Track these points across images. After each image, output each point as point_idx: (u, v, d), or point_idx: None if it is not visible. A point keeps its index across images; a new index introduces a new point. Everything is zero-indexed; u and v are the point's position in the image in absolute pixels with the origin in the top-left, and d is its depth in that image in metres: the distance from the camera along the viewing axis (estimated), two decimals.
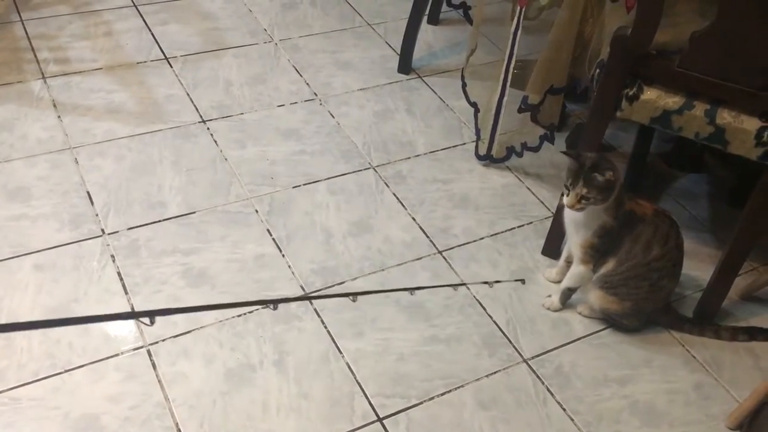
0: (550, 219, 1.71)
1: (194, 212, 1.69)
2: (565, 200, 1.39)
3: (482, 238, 1.73)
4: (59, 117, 1.89)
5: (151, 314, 0.82)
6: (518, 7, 1.68)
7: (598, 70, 1.50)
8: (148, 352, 1.41)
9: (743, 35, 1.26)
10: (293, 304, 1.52)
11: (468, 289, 1.59)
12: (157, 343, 1.42)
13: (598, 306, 1.53)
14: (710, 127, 1.38)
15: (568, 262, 1.57)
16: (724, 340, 1.56)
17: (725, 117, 1.37)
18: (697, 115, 1.38)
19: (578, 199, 1.37)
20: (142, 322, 0.83)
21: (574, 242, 1.49)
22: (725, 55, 1.29)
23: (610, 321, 1.56)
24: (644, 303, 1.50)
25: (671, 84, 1.39)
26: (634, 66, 1.38)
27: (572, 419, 1.39)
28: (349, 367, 1.43)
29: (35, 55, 2.08)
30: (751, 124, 1.35)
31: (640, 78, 1.40)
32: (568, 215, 1.48)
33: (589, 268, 1.49)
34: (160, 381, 1.36)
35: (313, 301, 1.53)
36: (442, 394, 1.40)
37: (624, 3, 1.54)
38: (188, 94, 2.02)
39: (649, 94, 1.40)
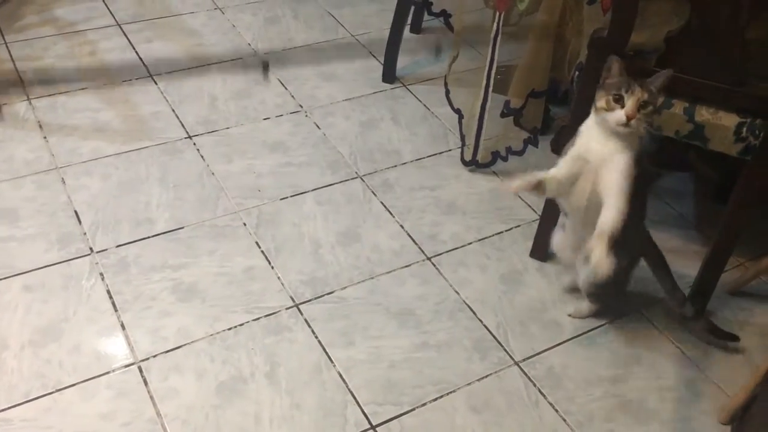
0: (537, 221, 1.72)
1: (182, 227, 1.70)
2: (617, 114, 1.23)
3: (470, 243, 1.74)
4: (45, 138, 1.90)
5: None
6: (497, 13, 1.70)
7: (577, 73, 1.52)
8: (139, 368, 1.41)
9: (716, 32, 1.28)
10: (284, 315, 1.52)
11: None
12: (147, 359, 1.42)
13: (599, 274, 1.33)
14: (690, 124, 1.40)
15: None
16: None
17: (704, 114, 1.38)
18: (677, 113, 1.40)
19: (638, 106, 1.22)
20: None
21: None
22: (700, 53, 1.31)
23: (599, 308, 1.55)
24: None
25: None
26: None
27: (564, 420, 1.40)
28: (341, 376, 1.43)
29: (20, 77, 2.08)
30: (730, 120, 1.37)
31: None
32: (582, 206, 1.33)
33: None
34: (152, 397, 1.36)
35: (303, 311, 1.54)
36: (435, 400, 1.41)
37: (600, 5, 1.56)
38: (174, 111, 2.03)
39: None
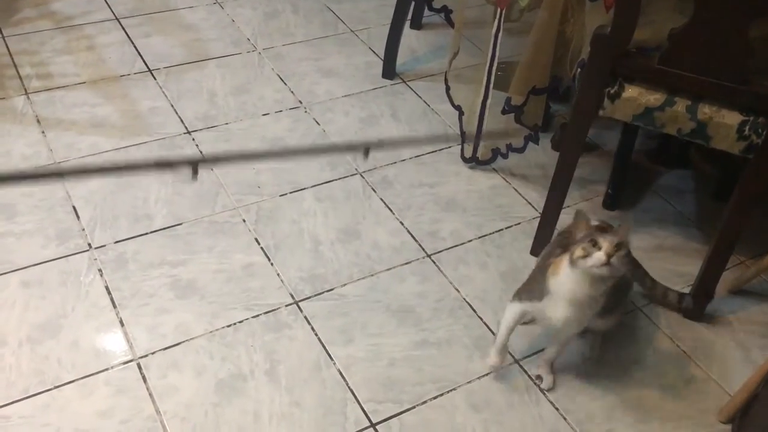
0: (538, 219, 1.72)
1: (181, 224, 1.69)
2: (595, 257, 1.20)
3: (470, 241, 1.73)
4: (43, 132, 1.89)
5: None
6: (498, 10, 1.69)
7: (579, 70, 1.51)
8: (138, 365, 1.40)
9: (720, 30, 1.27)
10: (283, 312, 1.52)
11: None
12: (146, 356, 1.42)
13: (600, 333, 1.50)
14: (692, 122, 1.39)
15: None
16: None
17: (706, 112, 1.37)
18: (679, 111, 1.39)
19: (614, 247, 1.20)
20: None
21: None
22: (703, 50, 1.30)
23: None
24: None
25: (652, 81, 1.40)
26: (615, 64, 1.39)
27: (565, 418, 1.39)
28: (341, 374, 1.42)
29: (17, 71, 2.07)
30: (732, 118, 1.36)
31: (620, 76, 1.41)
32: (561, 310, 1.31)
33: None
34: (151, 394, 1.36)
35: (303, 308, 1.53)
36: (434, 398, 1.40)
37: (603, 2, 1.55)
38: (173, 106, 2.02)
39: (631, 91, 1.41)
